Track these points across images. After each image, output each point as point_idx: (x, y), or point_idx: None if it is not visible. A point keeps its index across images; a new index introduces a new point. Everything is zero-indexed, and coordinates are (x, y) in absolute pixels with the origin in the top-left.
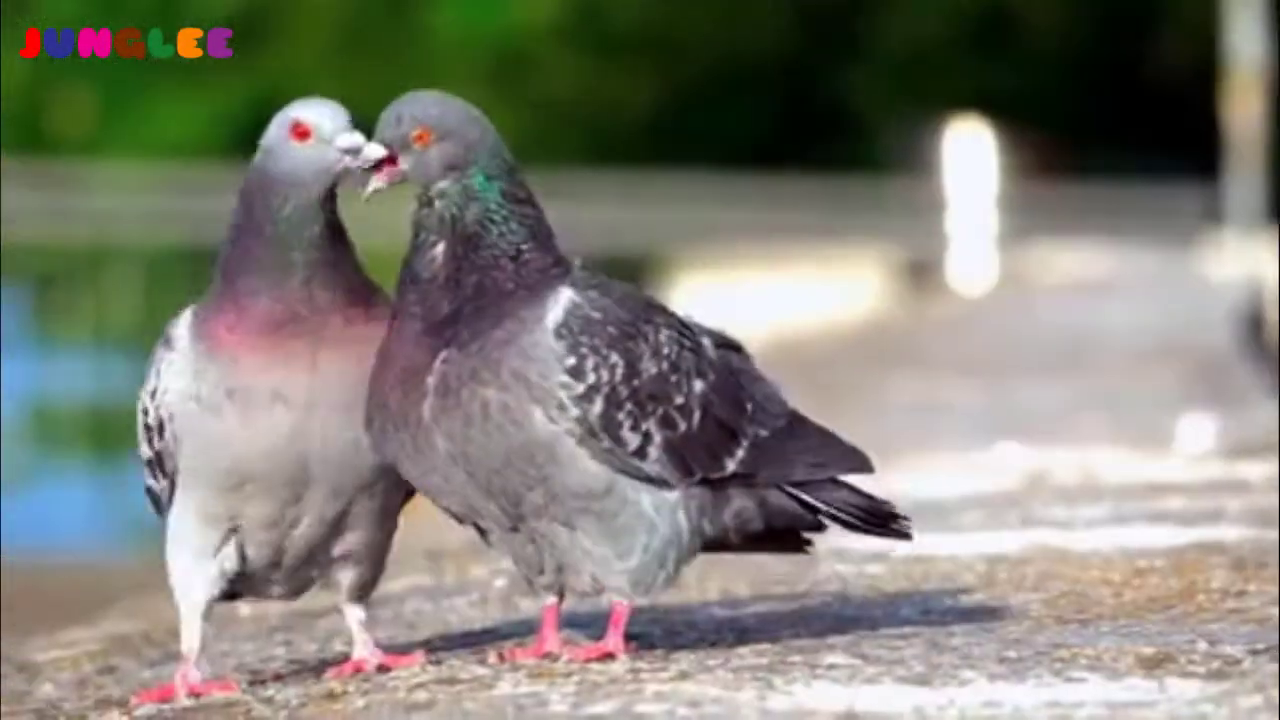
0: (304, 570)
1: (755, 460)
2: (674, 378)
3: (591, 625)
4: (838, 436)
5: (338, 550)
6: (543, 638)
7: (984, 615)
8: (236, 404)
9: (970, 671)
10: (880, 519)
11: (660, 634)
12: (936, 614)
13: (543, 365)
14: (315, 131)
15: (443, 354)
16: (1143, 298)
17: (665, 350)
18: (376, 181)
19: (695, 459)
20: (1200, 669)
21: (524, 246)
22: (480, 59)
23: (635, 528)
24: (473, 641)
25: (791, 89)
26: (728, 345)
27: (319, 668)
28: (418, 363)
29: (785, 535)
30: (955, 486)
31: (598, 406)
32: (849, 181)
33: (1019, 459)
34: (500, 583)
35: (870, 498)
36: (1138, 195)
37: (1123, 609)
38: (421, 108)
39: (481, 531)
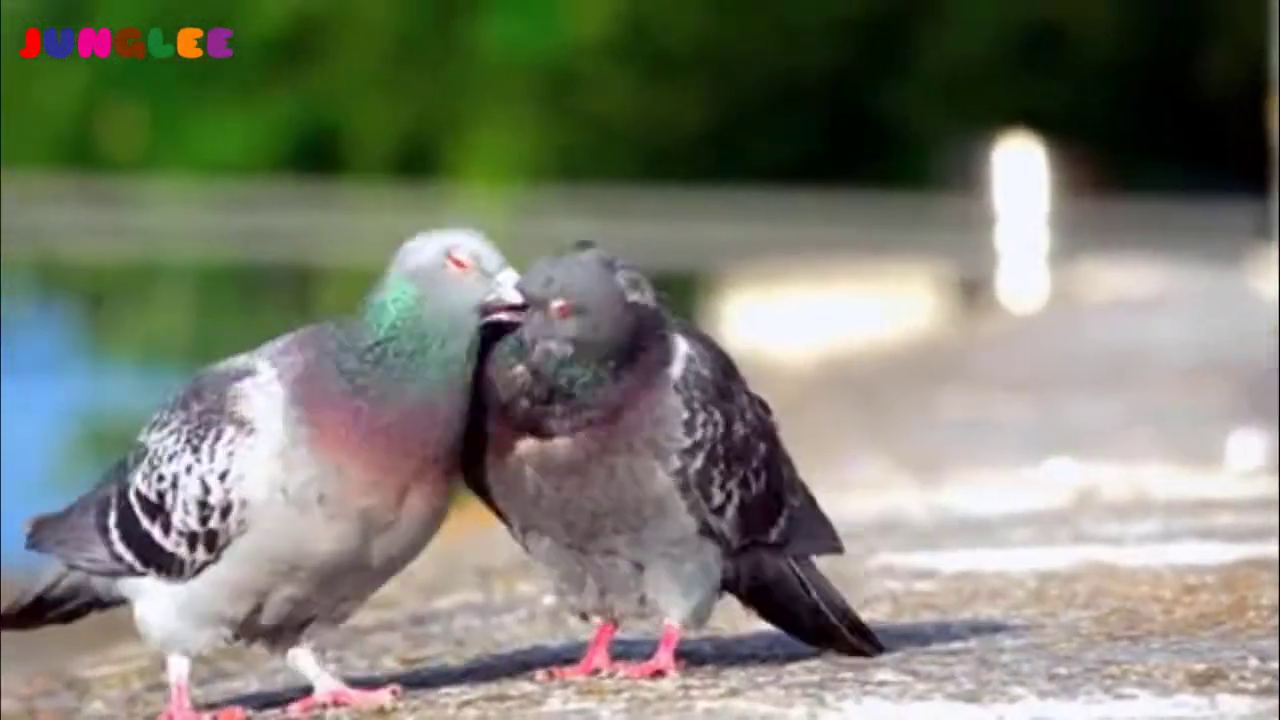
0: (294, 631)
1: (789, 531)
2: (752, 440)
3: (640, 645)
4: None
5: (334, 614)
6: (591, 655)
7: (1034, 632)
8: (325, 509)
9: (1020, 688)
10: (857, 628)
11: (711, 651)
12: (986, 630)
13: (669, 426)
14: (475, 265)
15: (558, 440)
16: (1192, 314)
17: (747, 412)
18: (497, 315)
19: (753, 523)
20: (1251, 685)
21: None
22: (531, 76)
23: (700, 576)
24: (521, 658)
25: (841, 105)
26: (763, 405)
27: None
28: (516, 426)
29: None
30: (1005, 503)
31: (699, 462)
32: (899, 198)
33: (1069, 475)
34: (549, 600)
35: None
36: (1187, 211)
37: (1173, 625)
38: (574, 282)
39: (523, 535)
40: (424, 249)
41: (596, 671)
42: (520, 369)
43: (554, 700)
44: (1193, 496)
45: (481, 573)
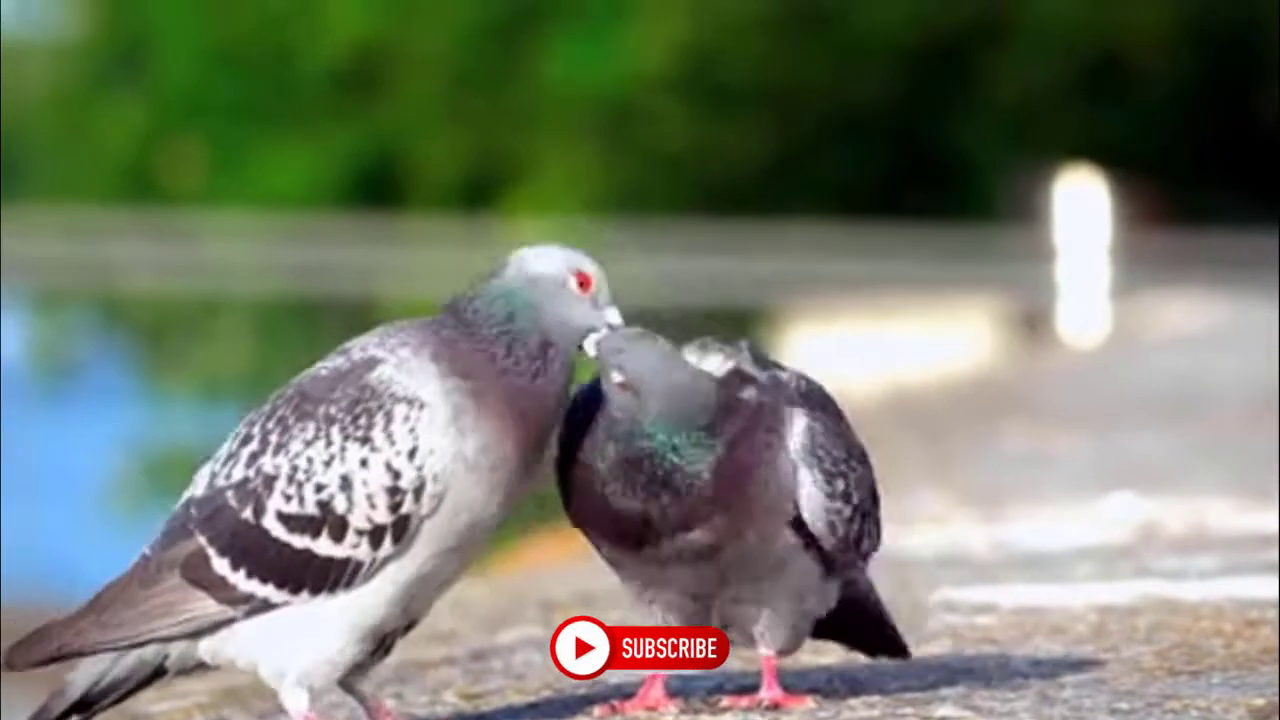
0: (385, 652)
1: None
2: (869, 476)
3: (697, 680)
4: None
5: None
6: (647, 689)
7: (1095, 666)
8: (496, 474)
9: None
10: (893, 632)
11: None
12: (1048, 665)
13: (812, 503)
14: (594, 291)
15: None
16: (1254, 347)
17: (856, 447)
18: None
19: (866, 550)
20: None
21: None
22: (592, 109)
23: (817, 609)
24: (583, 694)
25: (902, 138)
26: None
27: None
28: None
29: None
30: (1067, 537)
31: (856, 525)
32: (960, 231)
33: (1130, 510)
34: None
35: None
36: (1250, 244)
37: (1234, 660)
38: (627, 358)
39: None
40: (550, 258)
41: (653, 708)
42: (613, 457)
43: None
44: (1254, 531)
45: (543, 607)
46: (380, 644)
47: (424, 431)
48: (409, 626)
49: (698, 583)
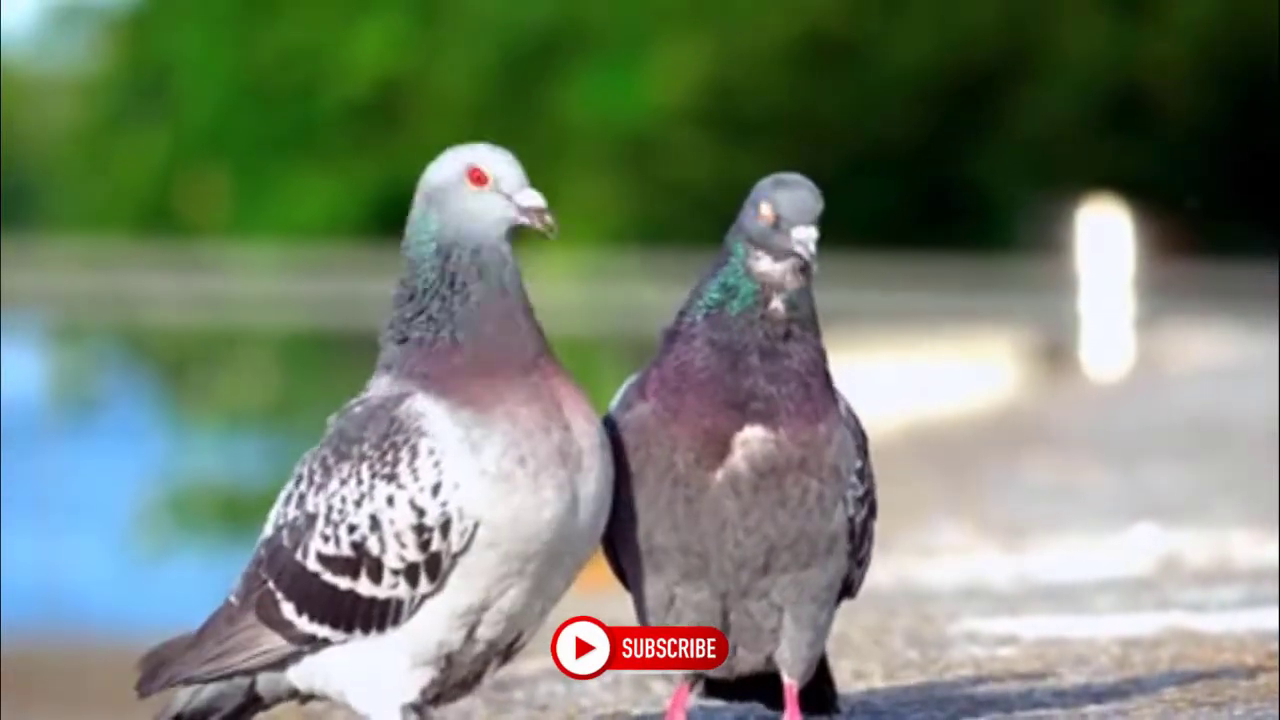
0: (475, 679)
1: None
2: (876, 494)
3: (718, 713)
4: None
5: (533, 625)
6: (670, 718)
7: (1118, 698)
8: (526, 468)
9: None
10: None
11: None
12: (1071, 697)
13: (850, 462)
14: (494, 182)
15: (756, 430)
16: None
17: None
18: (521, 221)
19: (863, 576)
20: None
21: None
22: (612, 142)
23: (826, 629)
24: None
25: (924, 170)
26: None
27: None
28: (720, 429)
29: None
30: (1089, 569)
31: (865, 510)
32: (982, 263)
33: (1153, 542)
34: None
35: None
36: (1274, 276)
37: (1256, 692)
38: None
39: (677, 587)
40: (442, 167)
41: None
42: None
43: None
44: (1276, 563)
45: None
46: (474, 666)
47: (443, 457)
48: (512, 645)
49: (739, 561)
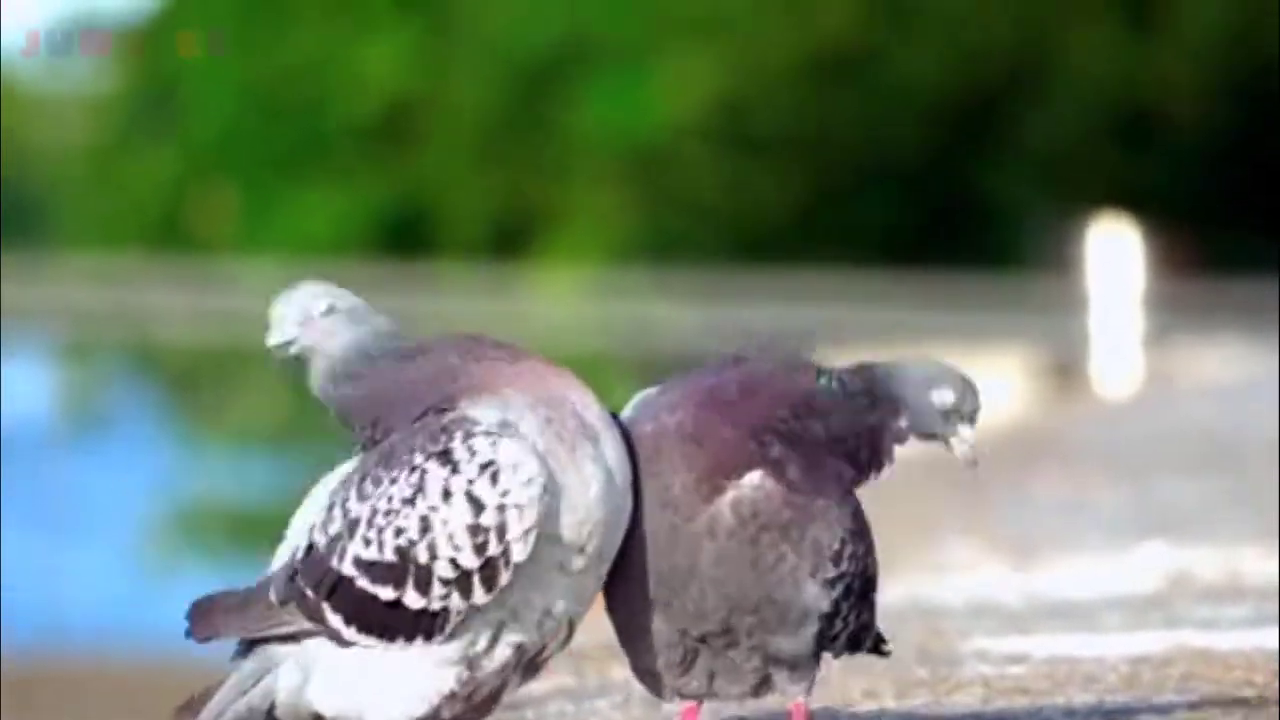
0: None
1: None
2: (874, 572)
3: None
4: None
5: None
6: None
7: (1127, 716)
8: (566, 445)
9: None
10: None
11: None
12: (1080, 715)
13: (833, 539)
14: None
15: (755, 476)
16: None
17: (872, 541)
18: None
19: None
20: None
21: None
22: (622, 158)
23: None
24: None
25: (934, 186)
26: None
27: None
28: (725, 463)
29: None
30: (1098, 587)
31: (838, 591)
32: (992, 279)
33: (1162, 559)
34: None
35: None
36: None
37: (1267, 711)
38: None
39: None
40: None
41: None
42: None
43: None
44: None
45: (574, 656)
46: (497, 678)
47: (500, 452)
48: (536, 657)
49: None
